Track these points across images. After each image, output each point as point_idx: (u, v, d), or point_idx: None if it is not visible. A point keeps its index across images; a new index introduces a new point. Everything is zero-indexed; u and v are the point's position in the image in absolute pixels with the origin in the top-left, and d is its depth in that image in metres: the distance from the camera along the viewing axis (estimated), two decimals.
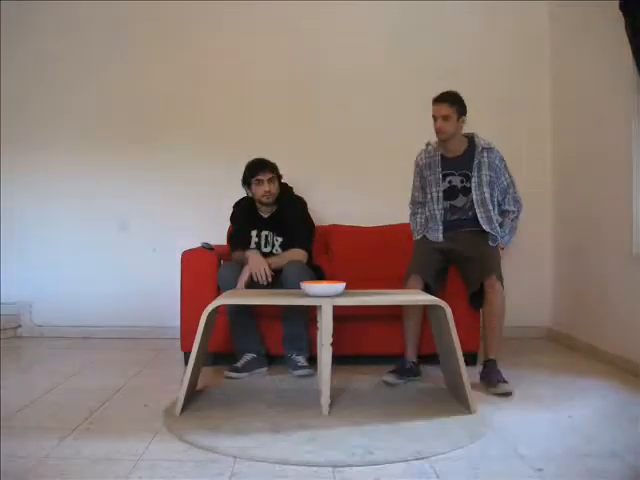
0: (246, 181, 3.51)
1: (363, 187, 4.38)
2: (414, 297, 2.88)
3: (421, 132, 4.38)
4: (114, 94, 4.31)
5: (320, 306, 2.64)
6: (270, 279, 3.24)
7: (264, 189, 3.45)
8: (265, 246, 3.50)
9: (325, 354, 2.58)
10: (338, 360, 3.48)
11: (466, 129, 4.41)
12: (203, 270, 3.44)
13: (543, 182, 4.40)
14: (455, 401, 2.79)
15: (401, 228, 4.15)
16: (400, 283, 3.43)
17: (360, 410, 2.63)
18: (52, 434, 2.33)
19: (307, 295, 2.69)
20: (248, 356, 3.30)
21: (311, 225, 3.56)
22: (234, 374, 3.20)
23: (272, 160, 4.34)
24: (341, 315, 3.48)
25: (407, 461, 2.10)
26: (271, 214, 3.55)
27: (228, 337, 3.41)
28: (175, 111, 4.36)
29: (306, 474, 2.01)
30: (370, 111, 4.39)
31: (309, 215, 3.58)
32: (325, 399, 2.58)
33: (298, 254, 3.39)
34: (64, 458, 2.12)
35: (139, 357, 3.68)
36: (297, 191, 4.35)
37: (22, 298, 4.35)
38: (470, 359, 3.51)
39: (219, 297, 2.82)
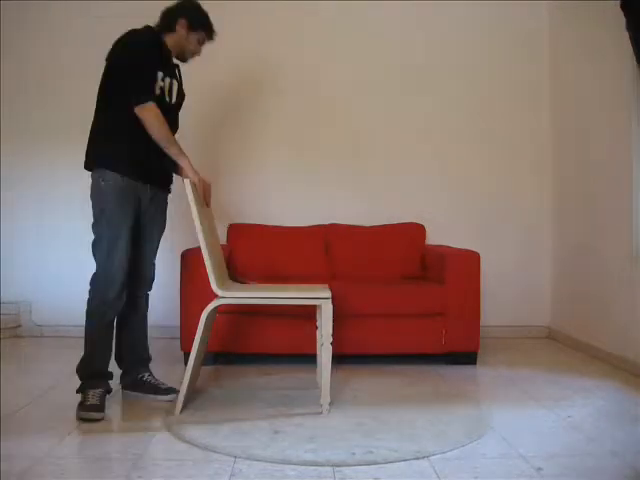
0: (193, 24, 2.85)
1: (363, 187, 4.38)
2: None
3: (421, 131, 4.41)
4: None
5: (320, 305, 2.64)
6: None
7: (198, 52, 2.94)
8: (168, 94, 2.82)
9: (325, 354, 2.58)
10: (339, 360, 3.49)
11: (466, 128, 4.45)
12: (203, 270, 3.42)
13: (543, 182, 4.40)
14: (456, 401, 2.79)
15: (401, 228, 4.16)
16: (400, 282, 3.44)
17: (360, 410, 2.63)
18: (52, 434, 2.33)
19: None
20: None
21: None
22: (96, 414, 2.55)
23: (270, 163, 4.37)
24: (340, 314, 3.48)
25: (407, 461, 2.10)
26: (174, 61, 2.94)
27: (228, 337, 3.41)
28: None
29: (306, 474, 2.00)
30: (370, 111, 4.39)
31: None
32: (325, 399, 2.58)
33: None
34: (64, 458, 2.12)
35: None
36: (297, 190, 4.40)
37: (22, 298, 4.35)
38: (470, 359, 3.51)
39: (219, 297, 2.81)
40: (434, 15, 4.38)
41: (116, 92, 2.68)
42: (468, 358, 3.51)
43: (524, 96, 4.41)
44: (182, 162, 2.70)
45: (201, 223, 2.62)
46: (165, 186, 2.93)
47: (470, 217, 4.37)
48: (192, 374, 2.63)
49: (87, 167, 2.73)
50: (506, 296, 4.31)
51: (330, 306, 2.60)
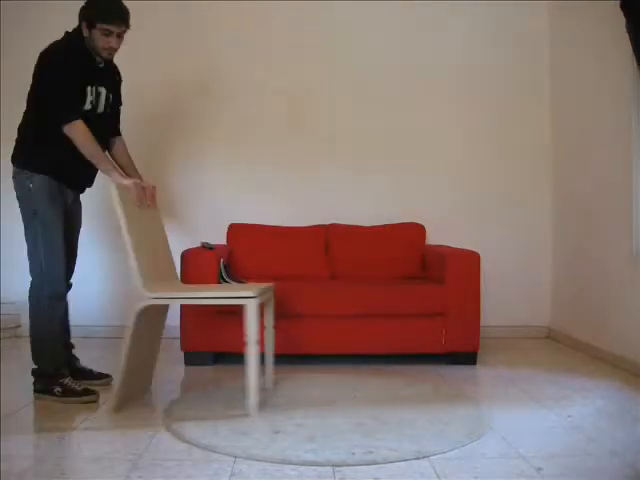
0: (89, 21, 2.71)
1: (363, 187, 4.38)
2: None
3: (421, 132, 4.41)
4: None
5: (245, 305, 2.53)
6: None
7: (110, 44, 2.75)
8: (102, 106, 2.86)
9: (251, 356, 2.55)
10: (339, 360, 3.50)
11: (466, 128, 4.44)
12: (203, 269, 3.43)
13: (543, 181, 4.40)
14: (456, 401, 2.79)
15: (401, 228, 4.16)
16: (400, 282, 3.43)
17: (360, 410, 2.63)
18: (52, 434, 2.33)
19: None
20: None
21: None
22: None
23: (270, 163, 4.36)
24: (341, 314, 3.49)
25: (407, 460, 2.10)
26: (104, 65, 2.88)
27: (228, 337, 3.40)
28: (173, 113, 4.35)
29: (306, 474, 2.00)
30: (370, 111, 4.39)
31: None
32: (253, 399, 2.55)
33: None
34: (64, 458, 2.12)
35: None
36: (297, 190, 4.40)
37: (22, 298, 4.33)
38: (470, 359, 3.51)
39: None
40: (433, 15, 4.38)
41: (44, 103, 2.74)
42: (468, 358, 3.51)
43: (524, 96, 4.41)
44: (113, 178, 2.71)
45: (131, 223, 2.62)
46: (83, 190, 3.05)
47: (470, 217, 4.37)
48: (131, 370, 2.61)
49: (17, 165, 2.80)
50: (506, 296, 4.31)
51: (254, 305, 2.50)
